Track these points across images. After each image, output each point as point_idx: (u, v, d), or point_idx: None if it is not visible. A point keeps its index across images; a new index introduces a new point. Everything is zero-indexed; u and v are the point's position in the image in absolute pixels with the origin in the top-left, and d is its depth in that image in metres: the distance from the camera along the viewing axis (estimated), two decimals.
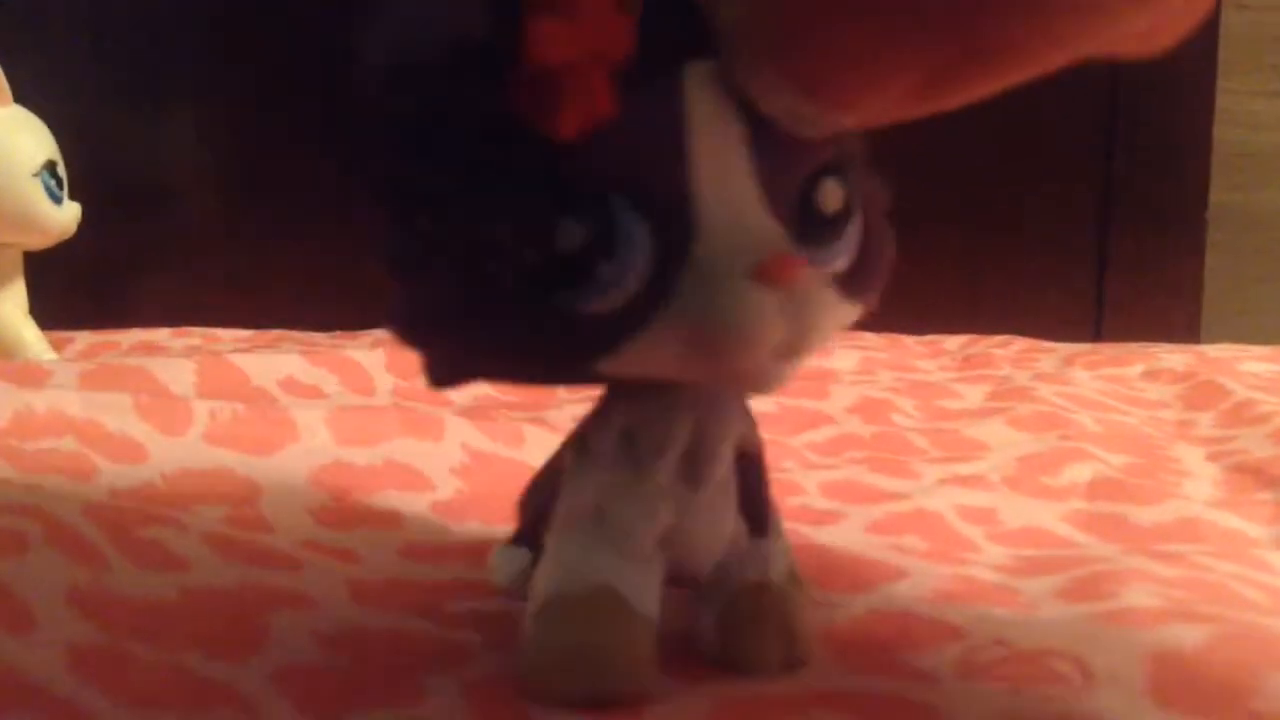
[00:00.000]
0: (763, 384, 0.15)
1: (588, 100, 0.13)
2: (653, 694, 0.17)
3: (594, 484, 0.17)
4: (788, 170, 0.15)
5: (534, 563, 0.19)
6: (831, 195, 0.15)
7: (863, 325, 0.17)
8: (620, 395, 0.17)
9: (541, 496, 0.20)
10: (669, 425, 0.17)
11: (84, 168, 0.54)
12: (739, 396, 0.18)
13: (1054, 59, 0.12)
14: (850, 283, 0.16)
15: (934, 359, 0.65)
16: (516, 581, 0.20)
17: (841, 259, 0.15)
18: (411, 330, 0.16)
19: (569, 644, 0.16)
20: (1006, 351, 0.66)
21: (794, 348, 0.14)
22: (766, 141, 0.14)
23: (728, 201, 0.14)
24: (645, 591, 0.17)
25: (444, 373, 0.16)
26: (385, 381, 0.44)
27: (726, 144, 0.14)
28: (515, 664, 0.17)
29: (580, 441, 0.18)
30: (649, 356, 0.15)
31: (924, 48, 0.12)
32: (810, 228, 0.15)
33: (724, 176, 0.14)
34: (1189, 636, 0.20)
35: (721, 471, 0.17)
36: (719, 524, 0.18)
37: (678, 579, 0.18)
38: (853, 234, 0.15)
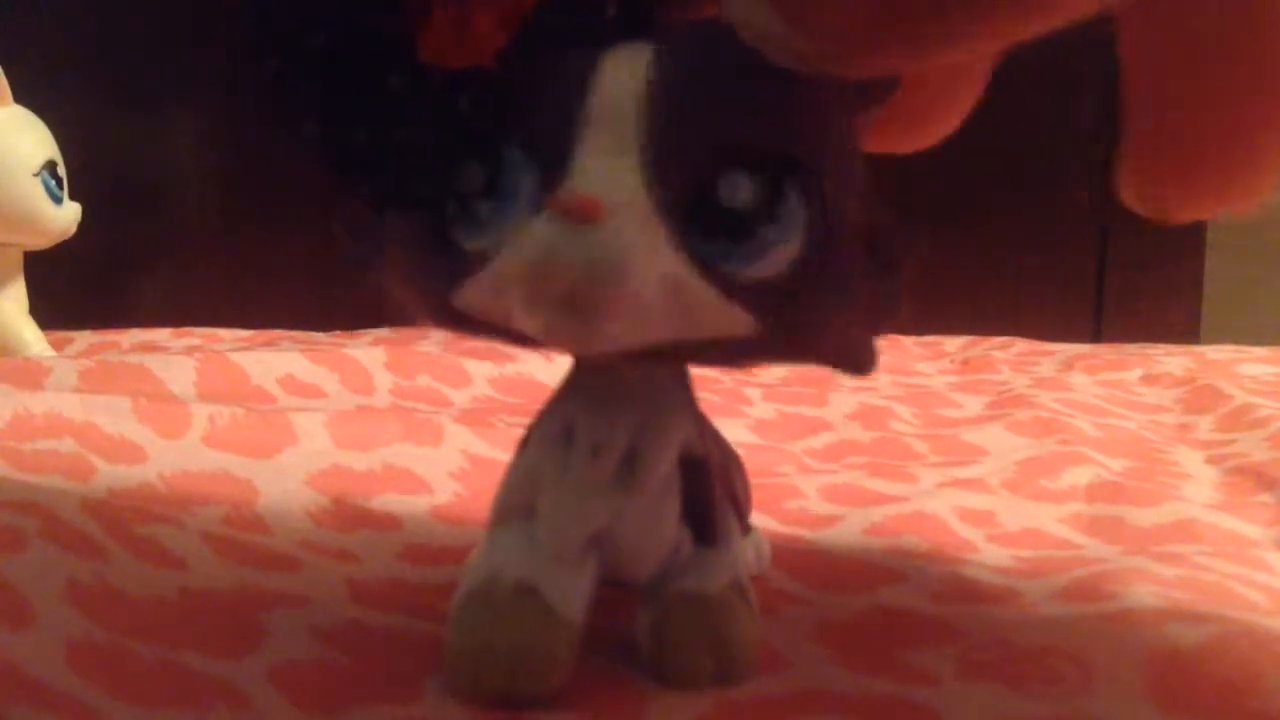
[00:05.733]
0: (563, 336, 0.14)
1: (464, 34, 0.14)
2: (566, 696, 0.17)
3: (529, 480, 0.17)
4: (687, 151, 0.14)
5: None
6: (737, 189, 0.14)
7: None
8: (566, 392, 0.17)
9: None
10: (609, 425, 0.17)
11: (84, 168, 0.55)
12: (687, 400, 0.18)
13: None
14: (761, 297, 0.14)
15: (934, 361, 0.65)
16: None
17: (747, 265, 0.14)
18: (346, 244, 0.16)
19: (485, 641, 0.16)
20: (1006, 354, 0.66)
21: (589, 299, 0.14)
22: (673, 118, 0.14)
23: (601, 163, 0.14)
24: (570, 593, 0.17)
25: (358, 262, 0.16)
26: (384, 380, 0.44)
27: (620, 117, 0.14)
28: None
29: (524, 436, 0.18)
30: (481, 294, 0.15)
31: None
32: (704, 216, 0.14)
33: (608, 145, 0.14)
34: (1189, 636, 0.20)
35: (661, 476, 0.17)
36: (657, 529, 0.18)
37: (616, 581, 0.18)
38: (773, 245, 0.14)
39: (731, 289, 0.14)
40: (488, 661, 0.16)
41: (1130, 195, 0.16)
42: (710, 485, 0.18)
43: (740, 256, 0.14)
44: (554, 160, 0.14)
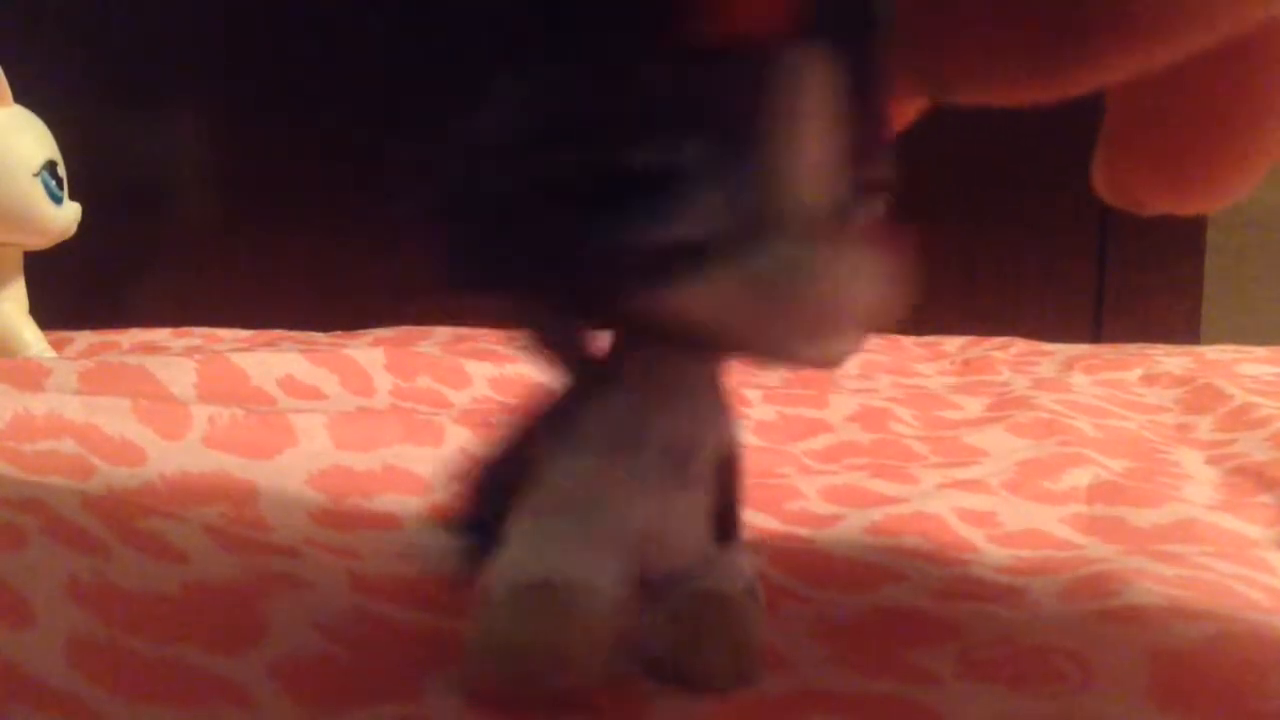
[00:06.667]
0: (820, 356, 0.15)
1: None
2: (567, 695, 0.16)
3: (573, 473, 0.17)
4: (848, 167, 0.15)
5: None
6: (878, 209, 0.15)
7: None
8: (606, 381, 0.17)
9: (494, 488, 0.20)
10: (656, 417, 0.17)
11: (84, 168, 0.55)
12: (721, 394, 0.18)
13: (1170, 44, 0.12)
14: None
15: (933, 362, 0.65)
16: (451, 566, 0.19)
17: (884, 282, 0.15)
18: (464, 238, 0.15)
19: (535, 637, 0.16)
20: (1006, 354, 0.66)
21: (827, 319, 0.14)
22: (840, 134, 0.14)
23: (808, 179, 0.14)
24: (617, 589, 0.16)
25: (479, 273, 0.15)
26: (385, 381, 0.44)
27: (820, 131, 0.14)
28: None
29: (560, 425, 0.17)
30: (701, 303, 0.14)
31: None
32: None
33: (811, 157, 0.14)
34: (1191, 636, 0.20)
35: (704, 472, 0.17)
36: (694, 527, 0.17)
37: (641, 581, 0.18)
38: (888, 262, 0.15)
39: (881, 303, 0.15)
40: (537, 657, 0.16)
41: (1103, 186, 0.17)
42: (737, 485, 0.18)
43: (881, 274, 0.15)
44: (754, 164, 0.14)
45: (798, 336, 0.14)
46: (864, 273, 0.14)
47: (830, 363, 0.15)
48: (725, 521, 0.18)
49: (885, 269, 0.15)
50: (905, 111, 0.18)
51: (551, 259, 0.14)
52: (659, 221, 0.14)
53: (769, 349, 0.15)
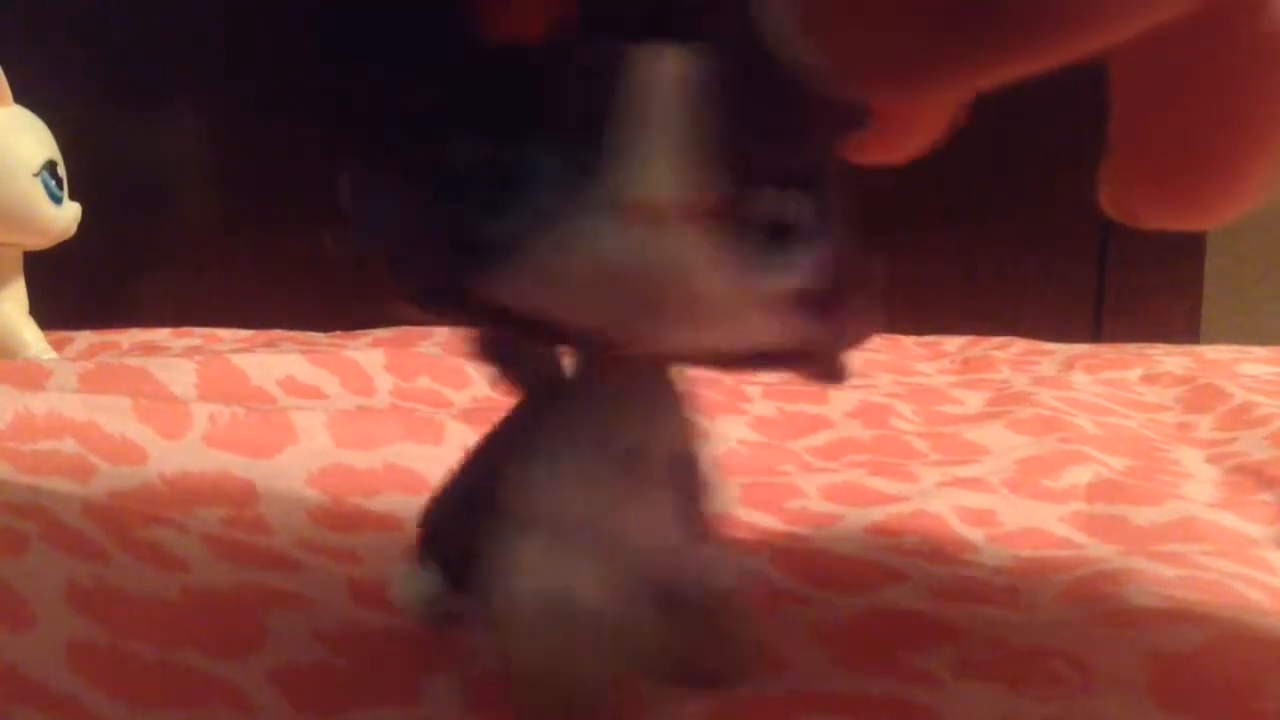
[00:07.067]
0: (627, 338, 0.14)
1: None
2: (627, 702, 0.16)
3: (542, 486, 0.17)
4: (733, 165, 0.14)
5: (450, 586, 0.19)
6: (778, 202, 0.15)
7: None
8: (570, 395, 0.17)
9: (461, 515, 0.20)
10: (609, 421, 0.17)
11: (84, 168, 0.55)
12: (677, 398, 0.18)
13: (1079, 38, 0.12)
14: (793, 309, 0.15)
15: (933, 361, 0.65)
16: (433, 605, 0.20)
17: (783, 278, 0.15)
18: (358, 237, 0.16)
19: (546, 656, 0.16)
20: (1006, 354, 0.66)
21: (663, 302, 0.14)
22: (721, 130, 0.14)
23: (655, 168, 0.14)
24: (607, 598, 0.16)
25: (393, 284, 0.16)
26: (385, 382, 0.44)
27: (669, 121, 0.14)
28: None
29: (519, 441, 0.17)
30: (519, 283, 0.14)
31: None
32: (745, 228, 0.14)
33: (657, 149, 0.14)
34: (1189, 636, 0.20)
35: (661, 473, 0.17)
36: (661, 527, 0.17)
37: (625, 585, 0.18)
38: (806, 261, 0.15)
39: (772, 300, 0.15)
40: (554, 677, 0.16)
41: (1107, 203, 0.17)
42: (699, 484, 0.18)
43: (778, 268, 0.15)
44: (593, 154, 0.14)
45: (645, 319, 0.14)
46: (737, 262, 0.14)
47: (650, 349, 0.15)
48: (697, 521, 0.18)
49: (777, 262, 0.15)
50: (936, 121, 0.18)
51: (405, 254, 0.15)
52: (490, 211, 0.14)
53: (615, 332, 0.14)
